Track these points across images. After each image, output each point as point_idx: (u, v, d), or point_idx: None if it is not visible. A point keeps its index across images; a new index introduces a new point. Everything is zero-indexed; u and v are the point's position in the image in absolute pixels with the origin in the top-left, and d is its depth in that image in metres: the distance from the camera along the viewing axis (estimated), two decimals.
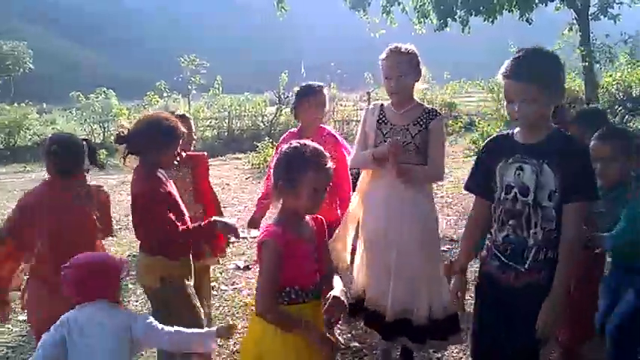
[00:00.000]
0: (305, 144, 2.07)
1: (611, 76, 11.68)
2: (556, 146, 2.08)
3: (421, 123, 2.88)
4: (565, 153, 2.06)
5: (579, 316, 2.79)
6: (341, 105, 17.13)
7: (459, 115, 16.68)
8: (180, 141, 2.76)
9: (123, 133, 2.70)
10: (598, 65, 11.86)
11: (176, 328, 2.22)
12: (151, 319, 2.22)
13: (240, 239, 5.83)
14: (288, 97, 16.74)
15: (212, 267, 3.88)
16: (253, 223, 3.42)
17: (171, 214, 2.61)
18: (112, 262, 2.23)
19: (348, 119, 16.21)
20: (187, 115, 3.86)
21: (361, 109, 14.42)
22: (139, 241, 2.78)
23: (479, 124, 11.44)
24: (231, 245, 5.26)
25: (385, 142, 2.87)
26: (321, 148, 2.08)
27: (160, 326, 2.20)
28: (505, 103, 2.18)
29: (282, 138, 3.45)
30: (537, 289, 2.10)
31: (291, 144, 2.08)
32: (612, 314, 2.65)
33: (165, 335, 2.18)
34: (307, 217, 2.15)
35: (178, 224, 2.61)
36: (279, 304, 2.02)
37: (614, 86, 11.22)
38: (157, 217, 2.60)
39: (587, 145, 2.59)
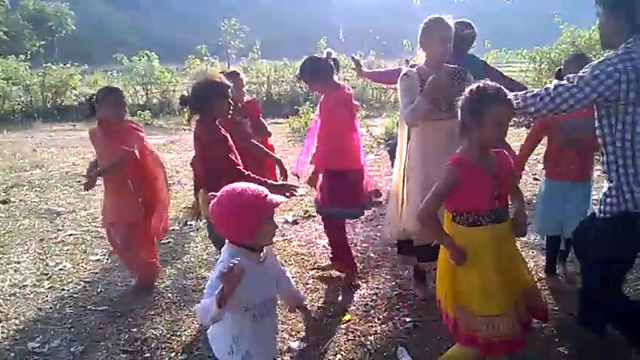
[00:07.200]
0: (486, 84, 2.31)
1: None
2: None
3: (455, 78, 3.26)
4: None
5: None
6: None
7: None
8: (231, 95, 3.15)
9: (184, 96, 3.18)
10: None
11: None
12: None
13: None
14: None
15: None
16: (314, 181, 3.86)
17: (230, 155, 3.01)
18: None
19: (387, 87, 16.10)
20: (237, 71, 4.46)
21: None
22: (203, 181, 3.23)
23: None
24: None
25: None
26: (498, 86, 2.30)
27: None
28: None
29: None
30: None
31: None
32: None
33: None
34: (491, 151, 2.40)
35: (236, 161, 3.01)
36: (460, 224, 2.39)
37: None
38: (214, 155, 3.02)
39: None
